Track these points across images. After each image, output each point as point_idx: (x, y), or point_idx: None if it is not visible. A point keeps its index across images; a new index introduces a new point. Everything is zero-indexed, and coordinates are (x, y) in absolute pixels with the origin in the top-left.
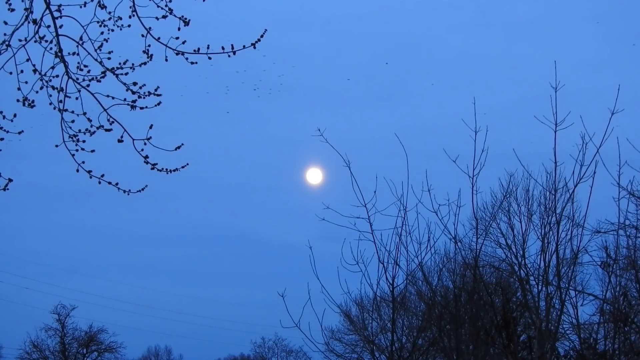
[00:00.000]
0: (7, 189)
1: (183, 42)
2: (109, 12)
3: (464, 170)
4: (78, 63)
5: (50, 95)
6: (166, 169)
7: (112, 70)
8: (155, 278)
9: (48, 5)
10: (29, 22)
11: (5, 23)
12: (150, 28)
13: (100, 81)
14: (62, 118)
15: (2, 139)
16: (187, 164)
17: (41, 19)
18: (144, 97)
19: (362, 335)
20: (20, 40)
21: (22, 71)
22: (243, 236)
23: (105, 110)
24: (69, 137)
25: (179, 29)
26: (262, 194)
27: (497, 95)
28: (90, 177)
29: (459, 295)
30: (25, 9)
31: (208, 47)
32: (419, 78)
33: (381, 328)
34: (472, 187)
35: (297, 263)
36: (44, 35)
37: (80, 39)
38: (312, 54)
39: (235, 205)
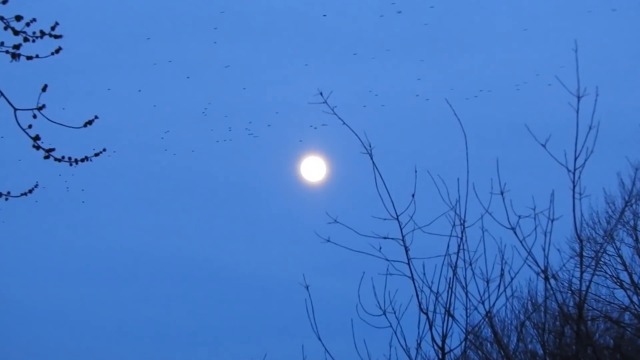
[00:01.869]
0: None
1: None
2: None
3: (560, 161)
4: None
5: None
6: (70, 158)
7: None
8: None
9: None
10: None
11: None
12: None
13: None
14: None
15: None
16: (104, 150)
17: None
18: (33, 41)
19: None
20: None
21: None
22: (200, 267)
23: None
24: None
25: None
26: (230, 199)
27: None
28: None
29: None
30: None
31: None
32: (474, 18)
33: None
34: (574, 187)
35: (285, 310)
36: None
37: None
38: None
39: (187, 219)
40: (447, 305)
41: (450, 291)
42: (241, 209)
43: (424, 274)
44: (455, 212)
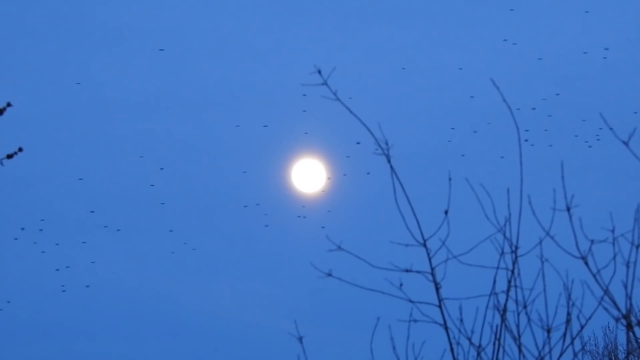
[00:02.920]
0: None
1: None
2: None
3: None
4: None
5: None
6: None
7: None
8: None
9: None
10: None
11: None
12: None
13: None
14: None
15: None
16: (20, 150)
17: None
18: None
19: None
20: None
21: None
22: (157, 310)
23: None
24: None
25: None
26: (191, 218)
27: None
28: None
29: None
30: None
31: None
32: None
33: None
34: None
35: None
36: None
37: None
38: None
39: (133, 247)
40: None
41: (497, 344)
42: (210, 232)
43: (461, 320)
44: (505, 236)
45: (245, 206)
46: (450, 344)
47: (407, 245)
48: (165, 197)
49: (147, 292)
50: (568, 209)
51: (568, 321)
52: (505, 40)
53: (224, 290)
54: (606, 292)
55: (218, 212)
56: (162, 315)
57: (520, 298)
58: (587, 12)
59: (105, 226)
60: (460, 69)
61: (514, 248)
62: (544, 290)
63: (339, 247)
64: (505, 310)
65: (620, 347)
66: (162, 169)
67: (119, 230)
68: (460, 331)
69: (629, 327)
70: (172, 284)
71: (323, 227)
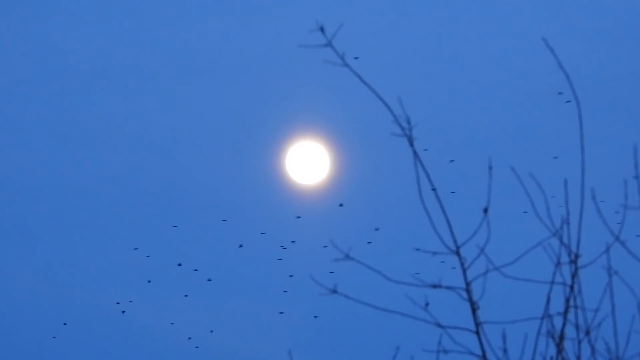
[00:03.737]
0: None
1: None
2: None
3: None
4: None
5: None
6: None
7: None
8: None
9: None
10: None
11: None
12: None
13: None
14: None
15: None
16: None
17: None
18: None
19: None
20: None
21: None
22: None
23: None
24: None
25: None
26: (156, 214)
27: None
28: None
29: None
30: None
31: None
32: None
33: None
34: None
35: None
36: None
37: None
38: None
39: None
40: None
41: None
42: (175, 234)
43: (505, 350)
44: (562, 241)
45: (225, 218)
46: None
47: (435, 253)
48: (121, 192)
49: (98, 308)
50: None
51: None
52: None
53: (197, 311)
54: None
55: (189, 213)
56: (116, 338)
57: (581, 322)
58: None
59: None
60: (504, 24)
61: (573, 257)
62: (612, 311)
63: (347, 256)
64: (562, 337)
65: None
66: (117, 158)
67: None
68: None
69: None
70: (128, 300)
71: (327, 231)
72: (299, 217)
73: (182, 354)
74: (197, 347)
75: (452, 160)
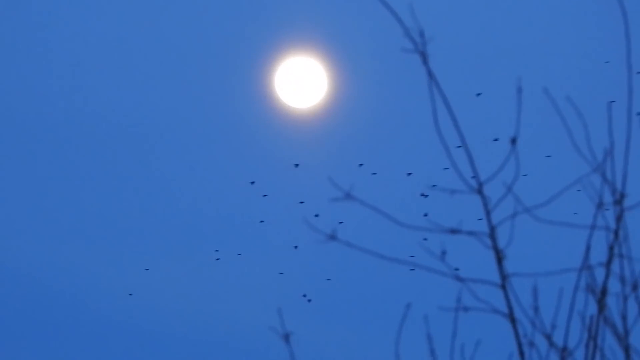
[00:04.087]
0: None
1: None
2: None
3: None
4: None
5: None
6: None
7: None
8: None
9: None
10: None
11: None
12: None
13: None
14: None
15: None
16: None
17: None
18: None
19: None
20: None
21: None
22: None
23: None
24: None
25: None
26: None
27: None
28: None
29: None
30: None
31: None
32: None
33: None
34: None
35: None
36: None
37: None
38: None
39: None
40: None
41: (592, 345)
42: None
43: (537, 308)
44: (604, 178)
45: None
46: (520, 344)
47: (452, 192)
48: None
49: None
50: None
51: None
52: None
53: (173, 271)
54: None
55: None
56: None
57: (627, 274)
58: None
59: None
60: None
61: (618, 196)
62: None
63: (348, 195)
64: (604, 293)
65: None
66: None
67: None
68: (534, 325)
69: None
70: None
71: (324, 167)
72: (297, 165)
73: (163, 318)
74: (177, 309)
75: (478, 94)
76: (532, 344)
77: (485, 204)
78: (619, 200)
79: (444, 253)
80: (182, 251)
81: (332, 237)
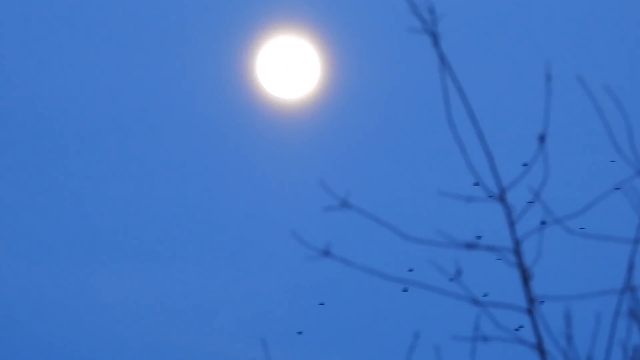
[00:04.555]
0: None
1: None
2: None
3: None
4: None
5: None
6: None
7: None
8: None
9: None
10: None
11: None
12: None
13: None
14: None
15: None
16: None
17: None
18: None
19: None
20: None
21: None
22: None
23: None
24: None
25: None
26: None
27: None
28: None
29: None
30: None
31: None
32: None
33: None
34: None
35: None
36: None
37: None
38: None
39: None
40: None
41: None
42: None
43: (569, 337)
44: None
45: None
46: None
47: (468, 199)
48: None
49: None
50: None
51: None
52: None
53: (140, 276)
54: None
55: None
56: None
57: None
58: None
59: None
60: None
61: None
62: None
63: (344, 203)
64: None
65: None
66: None
67: None
68: (567, 357)
69: None
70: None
71: (317, 169)
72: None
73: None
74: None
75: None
76: None
77: (509, 214)
78: None
79: (459, 272)
80: (160, 263)
81: (326, 252)
